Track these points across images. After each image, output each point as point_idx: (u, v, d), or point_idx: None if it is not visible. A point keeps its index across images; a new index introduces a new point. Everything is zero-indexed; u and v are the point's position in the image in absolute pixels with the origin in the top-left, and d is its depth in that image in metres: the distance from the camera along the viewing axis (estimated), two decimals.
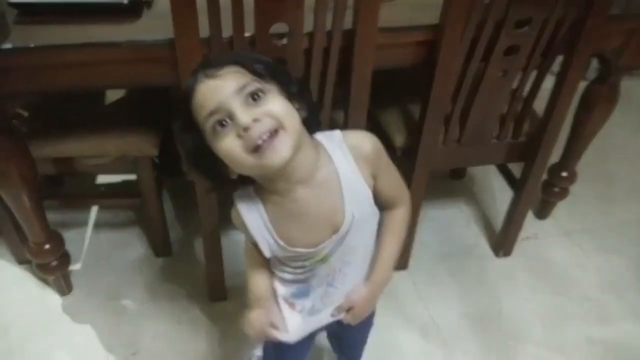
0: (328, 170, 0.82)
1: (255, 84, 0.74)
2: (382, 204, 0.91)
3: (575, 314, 1.57)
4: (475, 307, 1.58)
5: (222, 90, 0.73)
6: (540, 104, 1.39)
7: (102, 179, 1.91)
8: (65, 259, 1.50)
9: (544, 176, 1.62)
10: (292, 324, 0.94)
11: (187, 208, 1.83)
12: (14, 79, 1.11)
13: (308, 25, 1.06)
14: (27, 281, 1.61)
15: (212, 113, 0.74)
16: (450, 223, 1.84)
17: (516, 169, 1.61)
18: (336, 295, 0.93)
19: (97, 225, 1.79)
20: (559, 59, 1.31)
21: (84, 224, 1.79)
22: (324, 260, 0.88)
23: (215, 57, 0.79)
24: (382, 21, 1.08)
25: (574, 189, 1.74)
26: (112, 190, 1.88)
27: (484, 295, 1.61)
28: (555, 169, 1.69)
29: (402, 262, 1.65)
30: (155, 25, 1.12)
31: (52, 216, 1.44)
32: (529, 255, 1.73)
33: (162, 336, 1.48)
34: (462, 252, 1.74)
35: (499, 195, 1.89)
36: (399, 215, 0.93)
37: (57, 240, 1.46)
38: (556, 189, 1.73)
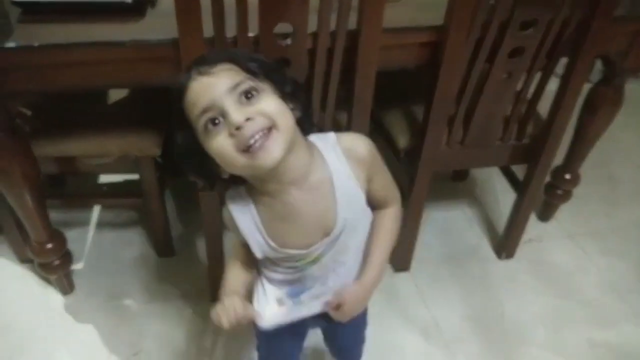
0: (321, 173, 0.82)
1: (248, 82, 0.74)
2: (374, 204, 0.91)
3: (577, 317, 1.56)
4: (477, 309, 1.57)
5: (215, 88, 0.72)
6: (544, 106, 1.39)
7: (105, 178, 1.91)
8: (67, 258, 1.50)
9: (547, 178, 1.62)
10: (270, 313, 0.92)
11: (189, 208, 1.83)
12: (17, 78, 1.11)
13: (312, 25, 1.06)
14: (29, 280, 1.61)
15: (204, 111, 0.73)
16: (453, 225, 1.83)
17: (519, 170, 1.60)
18: (328, 293, 0.92)
19: (99, 225, 1.79)
20: (563, 60, 1.30)
21: (86, 223, 1.79)
22: (315, 261, 0.87)
23: (209, 55, 0.77)
24: (386, 22, 1.08)
25: (578, 191, 1.74)
26: (115, 189, 1.88)
27: (486, 297, 1.61)
28: (558, 171, 1.68)
29: (404, 264, 1.65)
30: (159, 24, 1.12)
31: (54, 215, 1.44)
32: (531, 257, 1.73)
33: (164, 336, 1.48)
34: (464, 254, 1.74)
35: (502, 197, 1.88)
36: (391, 215, 0.92)
37: (60, 240, 1.46)
38: (559, 192, 1.72)
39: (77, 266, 1.62)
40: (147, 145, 1.37)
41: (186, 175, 0.86)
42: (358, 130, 1.26)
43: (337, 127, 1.33)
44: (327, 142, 0.83)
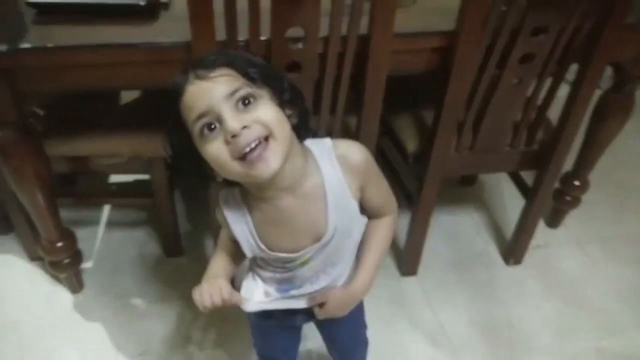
0: (314, 180, 0.81)
1: (246, 89, 0.72)
2: (370, 213, 0.91)
3: (585, 324, 1.55)
4: (484, 315, 1.57)
5: (213, 93, 0.71)
6: (554, 112, 1.39)
7: (115, 178, 1.92)
8: (77, 256, 1.51)
9: (556, 184, 1.61)
10: (256, 299, 0.93)
11: (198, 208, 1.84)
12: (31, 79, 1.13)
13: (323, 29, 1.07)
14: (39, 278, 1.62)
15: (201, 116, 0.72)
16: (461, 230, 1.83)
17: (528, 176, 1.60)
18: (319, 291, 0.92)
19: (109, 224, 1.80)
20: (574, 67, 1.30)
21: (97, 222, 1.80)
22: (305, 263, 0.88)
23: (207, 57, 0.75)
24: (397, 26, 1.08)
25: (587, 197, 1.73)
26: (125, 189, 1.89)
27: (494, 303, 1.60)
28: (567, 178, 1.68)
29: (411, 268, 1.65)
30: (172, 27, 1.13)
31: (65, 214, 1.45)
32: (539, 264, 1.72)
33: (171, 336, 1.49)
34: (472, 259, 1.73)
35: (510, 202, 1.88)
36: (385, 224, 0.92)
37: (70, 238, 1.47)
38: (568, 198, 1.72)
39: (86, 265, 1.63)
40: (158, 146, 1.37)
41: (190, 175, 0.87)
42: (368, 134, 1.26)
43: (347, 131, 1.33)
44: (322, 148, 0.83)
